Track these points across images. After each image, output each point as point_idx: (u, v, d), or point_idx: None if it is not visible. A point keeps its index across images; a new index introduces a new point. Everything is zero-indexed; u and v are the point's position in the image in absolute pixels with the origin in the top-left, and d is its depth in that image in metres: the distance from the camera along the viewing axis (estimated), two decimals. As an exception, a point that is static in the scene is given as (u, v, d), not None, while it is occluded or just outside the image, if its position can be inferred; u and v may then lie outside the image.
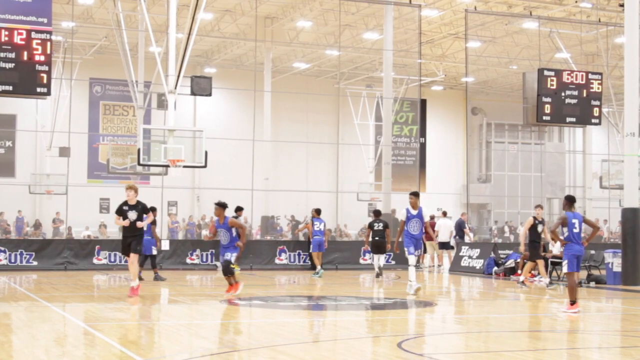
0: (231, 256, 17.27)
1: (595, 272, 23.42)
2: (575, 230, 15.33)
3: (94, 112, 45.06)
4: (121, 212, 17.40)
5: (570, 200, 15.73)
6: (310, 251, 25.69)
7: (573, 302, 15.31)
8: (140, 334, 12.51)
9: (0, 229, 40.39)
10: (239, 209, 24.28)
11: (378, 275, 24.43)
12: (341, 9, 35.81)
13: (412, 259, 18.62)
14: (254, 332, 12.98)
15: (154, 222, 21.95)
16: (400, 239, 19.01)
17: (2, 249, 25.93)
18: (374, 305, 17.43)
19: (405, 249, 18.59)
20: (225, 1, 37.34)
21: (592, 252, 24.41)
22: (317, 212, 25.30)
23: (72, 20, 34.93)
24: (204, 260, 26.80)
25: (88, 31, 40.10)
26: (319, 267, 24.83)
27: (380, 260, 24.75)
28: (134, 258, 17.33)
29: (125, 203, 17.46)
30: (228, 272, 17.33)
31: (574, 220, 15.41)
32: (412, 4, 34.09)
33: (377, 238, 24.61)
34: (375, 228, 24.57)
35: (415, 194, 19.06)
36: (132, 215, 17.30)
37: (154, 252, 22.65)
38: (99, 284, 21.88)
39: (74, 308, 16.04)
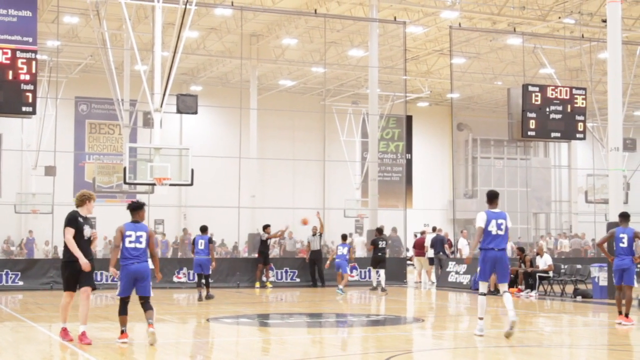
0: None
1: (581, 287, 23.49)
2: (622, 245, 16.16)
3: (79, 130, 44.97)
4: (77, 223, 12.82)
5: (624, 217, 16.71)
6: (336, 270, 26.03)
7: (624, 314, 16.08)
8: (127, 353, 12.46)
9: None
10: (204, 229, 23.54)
11: (374, 289, 25.56)
12: (326, 27, 35.90)
13: (482, 286, 14.23)
14: (241, 351, 12.96)
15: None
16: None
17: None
18: (362, 322, 17.42)
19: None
20: (211, 19, 37.41)
21: (579, 266, 24.50)
22: (344, 237, 26.26)
23: (57, 39, 34.88)
24: (191, 278, 26.71)
25: (73, 50, 40.06)
26: (341, 285, 24.97)
27: (381, 275, 25.57)
28: (89, 293, 13.10)
29: (78, 214, 12.93)
30: None
31: (622, 235, 16.28)
32: (396, 21, 34.23)
33: (379, 254, 25.72)
34: (380, 245, 25.79)
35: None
36: (88, 231, 12.98)
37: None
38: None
39: (60, 328, 15.95)
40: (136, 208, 12.89)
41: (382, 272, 25.61)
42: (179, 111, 25.28)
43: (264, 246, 27.52)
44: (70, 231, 12.67)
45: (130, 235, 12.51)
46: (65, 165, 41.20)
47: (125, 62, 34.72)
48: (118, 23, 34.43)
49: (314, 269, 28.25)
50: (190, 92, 41.36)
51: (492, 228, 13.65)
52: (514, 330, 13.50)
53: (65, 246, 12.81)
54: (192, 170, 24.02)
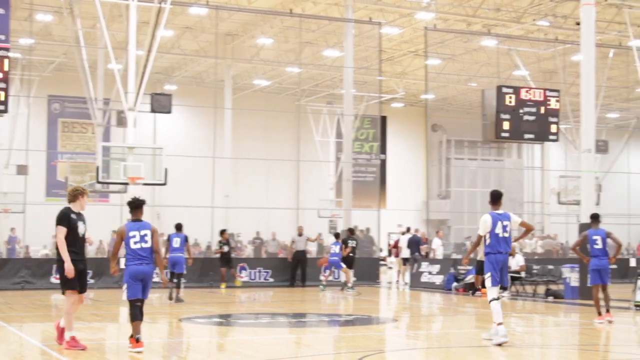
0: None
1: (553, 287, 23.62)
2: (597, 246, 16.64)
3: (52, 129, 44.68)
4: (69, 221, 11.91)
5: (594, 218, 17.17)
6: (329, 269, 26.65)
7: (606, 309, 16.49)
8: (100, 353, 12.39)
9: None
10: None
11: (343, 288, 25.72)
12: (302, 27, 35.89)
13: (494, 291, 13.36)
14: (213, 351, 12.92)
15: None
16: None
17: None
18: (335, 322, 17.42)
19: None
20: (186, 18, 37.28)
21: (550, 267, 24.64)
22: (336, 236, 26.75)
23: (30, 37, 34.66)
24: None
25: (47, 48, 39.79)
26: (349, 283, 25.75)
27: (350, 275, 26.01)
28: (82, 298, 12.39)
29: (71, 210, 12.06)
30: None
31: (595, 237, 16.74)
32: (372, 21, 34.27)
33: (351, 254, 26.36)
34: (350, 245, 26.42)
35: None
36: (82, 228, 12.09)
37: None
38: (56, 304, 21.65)
39: (31, 328, 15.86)
40: (137, 205, 12.12)
41: (350, 271, 26.11)
42: (153, 110, 25.21)
43: (227, 251, 27.24)
44: (62, 230, 11.68)
45: (134, 236, 11.75)
46: (37, 164, 40.93)
47: (99, 61, 34.55)
48: (92, 21, 34.20)
49: (296, 269, 28.25)
50: (164, 91, 41.19)
51: (499, 230, 13.15)
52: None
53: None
54: (166, 170, 23.94)
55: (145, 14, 27.57)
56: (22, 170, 36.10)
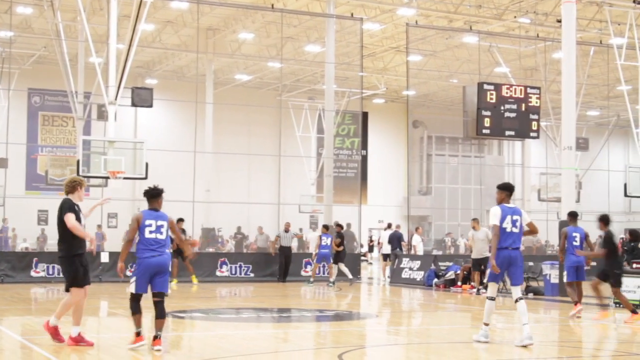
0: None
1: (533, 284, 23.71)
2: (575, 243, 17.06)
3: (32, 122, 44.45)
4: (74, 210, 11.60)
5: (572, 216, 17.69)
6: (315, 262, 27.05)
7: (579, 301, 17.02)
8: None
9: None
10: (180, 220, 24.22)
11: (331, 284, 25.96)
12: (283, 22, 35.84)
13: (492, 289, 13.09)
14: (195, 345, 12.89)
15: None
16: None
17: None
18: (316, 317, 17.43)
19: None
20: (167, 12, 37.16)
21: (530, 263, 24.73)
22: (326, 227, 26.92)
23: (10, 30, 34.44)
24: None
25: (27, 41, 39.56)
26: (312, 279, 26.64)
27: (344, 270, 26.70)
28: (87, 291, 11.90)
29: (72, 201, 11.71)
30: None
31: (574, 234, 17.15)
32: (353, 17, 34.26)
33: (344, 249, 26.87)
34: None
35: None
36: (83, 221, 11.84)
37: None
38: (36, 297, 21.55)
39: (10, 321, 15.77)
40: (155, 194, 11.46)
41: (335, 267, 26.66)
42: (133, 104, 25.10)
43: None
44: (72, 216, 11.27)
45: (150, 225, 11.18)
46: (17, 157, 40.71)
47: (80, 54, 34.37)
48: (72, 14, 34.02)
49: (284, 265, 28.12)
50: (145, 85, 41.07)
51: (507, 225, 12.44)
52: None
53: (65, 238, 11.38)
54: (147, 164, 23.86)
55: (126, 8, 27.46)
56: (1, 163, 35.87)
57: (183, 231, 25.28)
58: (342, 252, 26.67)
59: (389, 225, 31.17)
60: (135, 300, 11.29)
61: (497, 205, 12.56)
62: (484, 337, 12.60)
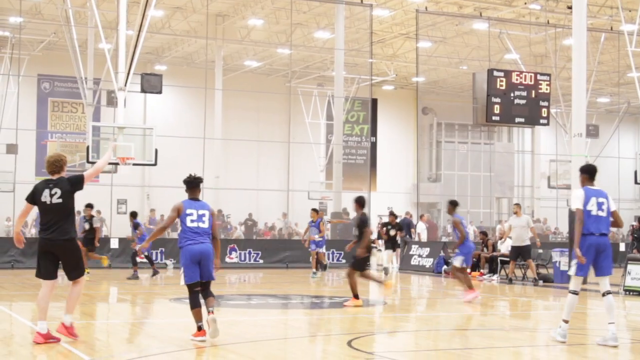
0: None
1: (543, 271, 23.68)
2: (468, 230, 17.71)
3: (42, 108, 44.48)
4: None
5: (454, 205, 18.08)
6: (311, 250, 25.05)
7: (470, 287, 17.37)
8: (89, 333, 12.38)
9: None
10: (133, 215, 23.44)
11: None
12: (293, 8, 35.76)
13: (576, 283, 11.48)
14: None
15: None
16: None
17: None
18: (325, 304, 17.45)
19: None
20: (176, -2, 37.12)
21: (540, 251, 24.68)
22: (316, 212, 25.29)
23: (20, 16, 34.45)
24: (154, 258, 26.58)
25: (36, 27, 39.55)
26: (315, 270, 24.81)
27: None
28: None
29: None
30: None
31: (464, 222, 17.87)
32: (363, 3, 34.17)
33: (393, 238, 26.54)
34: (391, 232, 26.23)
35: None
36: None
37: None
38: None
39: (20, 307, 15.84)
40: (195, 183, 11.29)
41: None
42: (143, 90, 25.08)
43: (90, 230, 22.97)
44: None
45: (191, 214, 10.99)
46: (27, 143, 40.74)
47: (89, 40, 34.39)
48: (82, 0, 34.02)
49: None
50: (154, 71, 41.05)
51: (592, 207, 11.10)
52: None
53: (72, 220, 10.73)
54: (156, 150, 23.88)
55: (136, -6, 27.41)
56: (11, 149, 35.96)
57: (90, 220, 23.03)
58: (396, 241, 26.36)
59: (391, 214, 31.14)
60: (192, 292, 10.99)
61: (580, 188, 11.41)
62: (562, 337, 11.37)
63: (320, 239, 24.68)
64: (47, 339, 10.49)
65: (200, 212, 11.09)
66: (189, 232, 10.96)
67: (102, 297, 18.43)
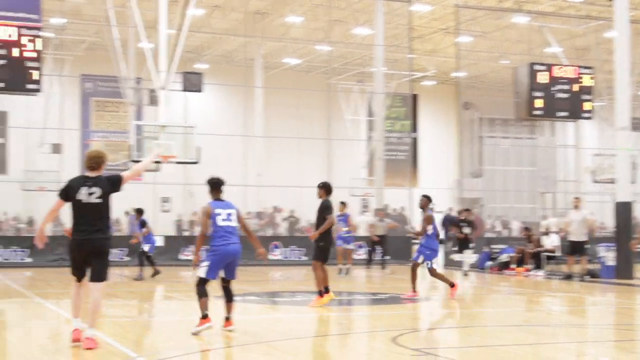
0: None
1: (589, 266, 23.44)
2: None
3: (85, 108, 44.88)
4: None
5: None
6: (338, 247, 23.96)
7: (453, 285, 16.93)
8: (135, 331, 12.48)
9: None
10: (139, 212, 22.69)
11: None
12: (331, 5, 35.73)
13: None
14: (249, 328, 12.94)
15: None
16: None
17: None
18: (369, 300, 17.42)
19: None
20: (216, -3, 37.25)
21: (587, 246, 24.41)
22: (344, 205, 24.32)
23: (62, 17, 34.78)
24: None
25: (78, 27, 39.92)
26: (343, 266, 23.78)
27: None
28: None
29: None
30: None
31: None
32: (402, -1, 34.06)
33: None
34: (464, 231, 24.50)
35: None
36: None
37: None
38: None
39: (68, 305, 15.95)
40: (219, 183, 11.63)
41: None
42: (184, 89, 25.26)
43: None
44: None
45: (220, 214, 11.31)
46: (71, 143, 41.21)
47: (130, 40, 34.60)
48: (122, 0, 34.27)
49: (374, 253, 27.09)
50: (195, 70, 41.21)
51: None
52: None
53: (108, 220, 10.28)
54: (198, 148, 24.00)
55: (176, -7, 27.52)
56: (56, 149, 36.38)
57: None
58: (469, 240, 24.41)
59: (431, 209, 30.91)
60: (202, 284, 11.31)
61: None
62: None
63: (348, 234, 23.73)
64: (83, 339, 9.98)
65: (228, 211, 11.42)
66: (222, 232, 11.26)
67: (147, 294, 18.56)
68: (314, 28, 42.07)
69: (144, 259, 21.85)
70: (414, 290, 16.73)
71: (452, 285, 16.85)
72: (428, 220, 16.84)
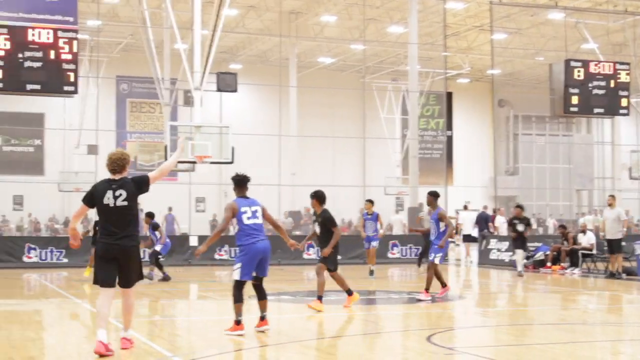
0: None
1: (626, 264, 23.21)
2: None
3: (121, 109, 45.26)
4: None
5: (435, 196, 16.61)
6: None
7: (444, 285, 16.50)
8: (170, 330, 12.55)
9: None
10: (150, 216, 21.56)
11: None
12: (365, 3, 35.71)
13: None
14: (283, 328, 12.97)
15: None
16: None
17: (33, 246, 26.12)
18: (403, 299, 17.38)
19: None
20: (250, -3, 37.36)
21: (623, 243, 24.16)
22: (372, 203, 22.87)
23: (97, 19, 35.06)
24: (233, 255, 26.82)
25: (114, 29, 40.26)
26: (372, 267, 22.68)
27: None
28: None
29: None
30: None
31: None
32: (436, -4, 33.96)
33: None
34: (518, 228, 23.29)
35: None
36: None
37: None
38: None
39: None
40: (244, 180, 11.49)
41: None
42: (219, 89, 25.31)
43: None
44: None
45: (245, 212, 11.18)
46: (107, 143, 41.47)
47: (165, 41, 34.83)
48: (158, 1, 34.51)
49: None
50: (229, 70, 41.35)
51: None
52: None
53: (136, 224, 9.95)
54: (233, 148, 24.07)
55: (210, -6, 27.65)
56: (92, 150, 36.66)
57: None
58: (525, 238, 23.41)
59: (465, 207, 30.77)
60: (239, 288, 11.17)
61: None
62: None
63: (375, 233, 22.35)
64: (107, 350, 9.49)
65: (253, 208, 11.30)
66: (248, 230, 11.18)
67: (182, 294, 18.65)
68: (348, 27, 42.06)
69: (154, 259, 21.06)
70: (445, 286, 16.56)
71: (444, 285, 16.47)
72: (444, 217, 16.29)
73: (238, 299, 11.16)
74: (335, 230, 14.33)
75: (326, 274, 14.46)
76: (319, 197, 14.43)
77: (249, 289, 11.49)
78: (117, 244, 9.59)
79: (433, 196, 16.50)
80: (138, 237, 9.84)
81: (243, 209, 11.20)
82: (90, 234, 21.50)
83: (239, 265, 11.21)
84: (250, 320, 11.61)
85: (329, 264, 14.43)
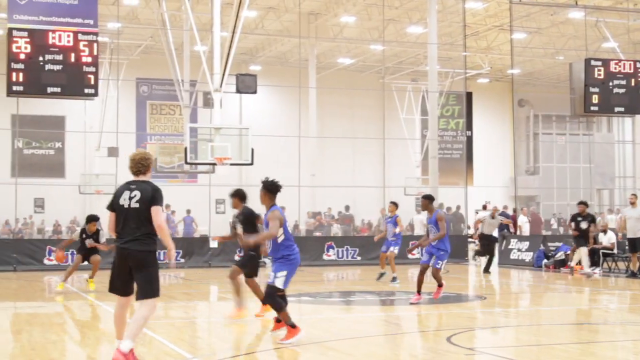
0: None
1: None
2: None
3: (141, 111, 45.40)
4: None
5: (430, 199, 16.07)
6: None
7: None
8: (190, 332, 12.59)
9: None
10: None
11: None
12: (384, 4, 35.66)
13: None
14: (303, 329, 13.00)
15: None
16: None
17: (54, 249, 26.23)
18: (423, 300, 17.36)
19: None
20: (269, -2, 37.40)
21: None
22: (396, 205, 21.68)
23: (117, 21, 35.21)
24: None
25: (133, 31, 40.40)
26: (394, 274, 21.17)
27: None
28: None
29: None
30: None
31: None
32: (455, -4, 33.88)
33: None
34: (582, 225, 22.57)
35: None
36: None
37: None
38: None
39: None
40: (279, 188, 11.35)
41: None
42: (238, 91, 25.35)
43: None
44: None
45: (287, 221, 11.19)
46: (127, 146, 41.58)
47: (185, 43, 34.87)
48: (177, 4, 34.60)
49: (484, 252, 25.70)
50: (249, 71, 41.46)
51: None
52: None
53: (152, 229, 9.19)
54: (252, 150, 24.12)
55: (229, -4, 27.70)
56: (112, 152, 36.82)
57: (97, 232, 20.61)
58: (589, 236, 22.55)
59: (484, 207, 30.67)
60: (278, 295, 11.04)
61: None
62: None
63: (394, 236, 21.16)
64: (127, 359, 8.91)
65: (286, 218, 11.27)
66: (292, 239, 11.14)
67: (202, 295, 18.71)
68: (368, 27, 42.03)
69: None
70: (441, 285, 15.94)
71: (440, 285, 15.96)
72: (441, 219, 15.64)
73: (281, 306, 10.99)
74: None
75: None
76: (239, 195, 13.81)
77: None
78: (125, 248, 9.14)
79: (428, 199, 15.88)
80: (152, 243, 9.14)
81: (285, 219, 11.10)
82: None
83: (284, 273, 11.00)
84: (254, 321, 11.63)
85: (249, 268, 13.44)
